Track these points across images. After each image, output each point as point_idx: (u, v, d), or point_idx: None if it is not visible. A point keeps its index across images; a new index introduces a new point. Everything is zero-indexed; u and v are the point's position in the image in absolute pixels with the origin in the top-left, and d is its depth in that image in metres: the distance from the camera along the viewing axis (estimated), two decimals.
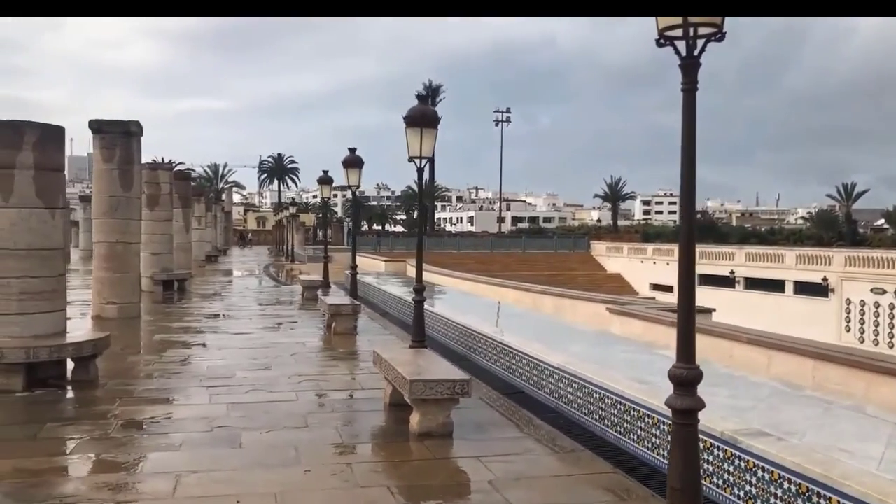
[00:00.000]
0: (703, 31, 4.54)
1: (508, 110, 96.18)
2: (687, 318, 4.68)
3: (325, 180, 24.84)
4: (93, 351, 9.49)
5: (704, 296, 44.19)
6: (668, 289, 55.24)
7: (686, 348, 4.68)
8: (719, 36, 4.56)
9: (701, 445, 5.89)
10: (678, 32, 4.55)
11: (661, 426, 6.42)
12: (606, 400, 7.46)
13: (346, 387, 9.62)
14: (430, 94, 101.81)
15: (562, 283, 44.01)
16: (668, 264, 56.84)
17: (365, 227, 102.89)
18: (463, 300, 20.26)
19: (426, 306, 15.69)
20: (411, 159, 11.53)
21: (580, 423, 7.99)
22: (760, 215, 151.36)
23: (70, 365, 9.61)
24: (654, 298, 48.69)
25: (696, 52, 4.58)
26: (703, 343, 11.86)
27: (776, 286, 46.19)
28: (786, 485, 4.99)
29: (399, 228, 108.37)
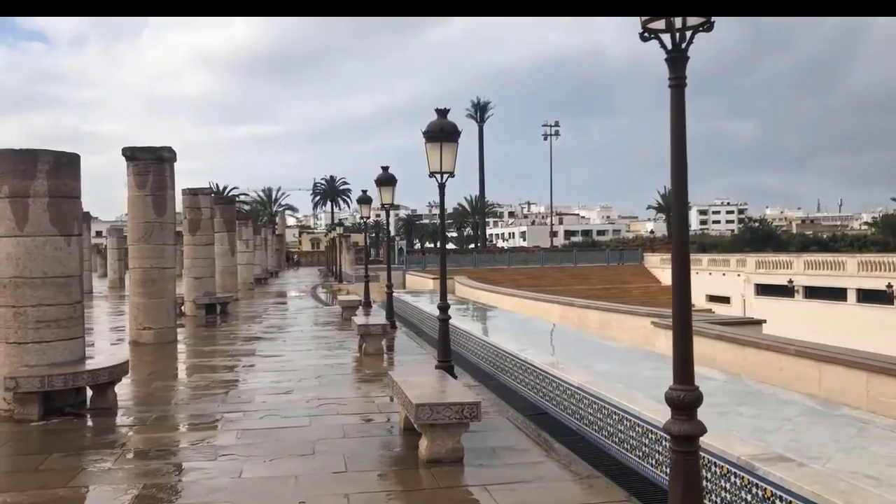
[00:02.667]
0: (690, 21, 4.18)
1: (557, 123, 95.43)
2: (684, 336, 4.28)
3: (365, 200, 24.79)
4: (109, 378, 9.40)
5: (762, 306, 43.10)
6: (726, 300, 53.79)
7: (683, 368, 4.28)
8: (707, 26, 4.18)
9: (718, 471, 5.46)
10: (662, 24, 4.19)
11: None
12: (625, 421, 7.03)
13: (364, 411, 9.34)
14: (478, 111, 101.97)
15: (615, 297, 43.27)
16: (723, 275, 55.40)
17: (417, 246, 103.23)
18: (501, 316, 19.87)
19: (459, 324, 15.42)
20: (432, 175, 11.27)
21: (600, 445, 7.56)
22: (822, 222, 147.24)
23: (89, 392, 9.56)
24: (710, 310, 47.53)
25: (683, 45, 4.21)
26: (750, 356, 11.43)
27: (837, 294, 44.49)
28: None
29: (451, 246, 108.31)
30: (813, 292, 46.35)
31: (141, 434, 8.34)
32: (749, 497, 5.05)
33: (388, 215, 19.20)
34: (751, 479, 5.04)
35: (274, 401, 9.92)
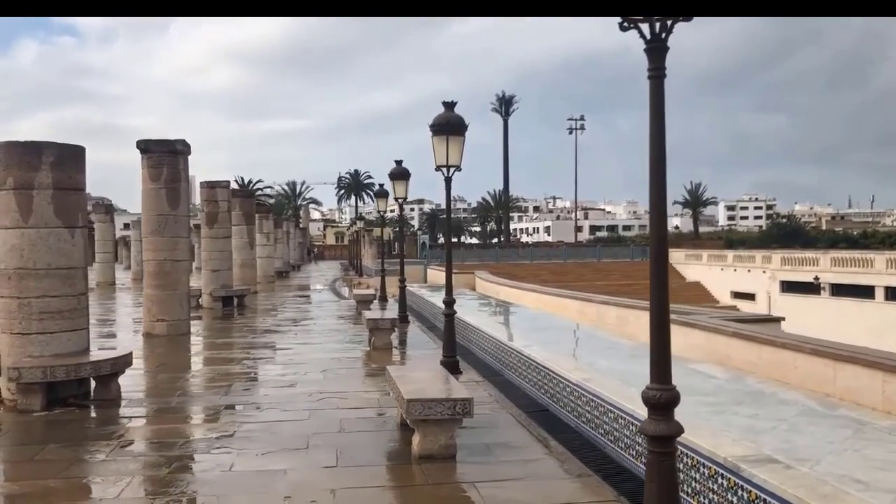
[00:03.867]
0: None
1: (582, 117, 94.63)
2: (661, 337, 4.17)
3: (382, 194, 24.82)
4: (112, 370, 9.44)
5: (787, 304, 42.35)
6: (751, 297, 53.09)
7: (660, 367, 4.17)
8: (686, 16, 4.07)
9: (706, 472, 5.34)
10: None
11: None
12: (620, 419, 6.92)
13: (365, 405, 9.28)
14: (503, 105, 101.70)
15: (638, 293, 42.64)
16: (749, 271, 54.70)
17: (441, 241, 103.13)
18: (513, 312, 19.73)
19: (469, 319, 15.34)
20: (438, 168, 11.20)
21: (597, 443, 7.45)
22: (853, 218, 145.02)
23: (94, 384, 9.61)
24: (735, 307, 46.90)
25: (663, 35, 4.10)
26: (765, 354, 11.23)
27: (865, 292, 43.71)
28: None
29: (473, 240, 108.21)
30: (840, 290, 45.58)
31: (139, 426, 8.38)
32: (735, 499, 4.93)
33: (401, 209, 19.18)
34: (737, 480, 4.92)
35: (276, 394, 9.92)
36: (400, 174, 17.91)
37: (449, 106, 11.17)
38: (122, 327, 18.88)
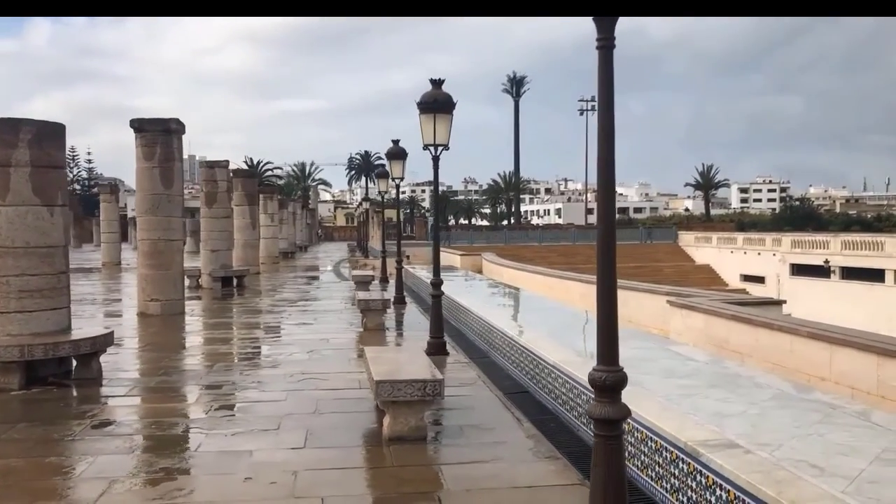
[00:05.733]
0: None
1: (593, 98, 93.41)
2: (608, 316, 4.04)
3: (382, 174, 24.71)
4: (91, 349, 9.38)
5: (797, 287, 41.99)
6: (760, 280, 52.68)
7: (608, 349, 4.04)
8: None
9: (668, 456, 5.22)
10: None
11: (636, 433, 5.72)
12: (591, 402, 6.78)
13: (345, 386, 9.19)
14: (514, 86, 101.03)
15: (647, 276, 42.47)
16: (759, 254, 54.24)
17: (452, 222, 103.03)
18: (509, 293, 19.60)
19: (461, 300, 15.24)
20: (426, 147, 11.06)
21: (571, 426, 7.34)
22: (867, 201, 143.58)
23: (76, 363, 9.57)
24: (745, 290, 46.54)
25: None
26: (762, 338, 11.06)
27: (875, 276, 43.25)
28: None
29: (483, 222, 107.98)
30: (850, 273, 45.13)
31: (115, 406, 8.32)
32: (694, 484, 4.81)
33: (398, 189, 19.03)
34: (696, 465, 4.79)
35: (258, 374, 9.87)
36: (396, 154, 17.77)
37: (436, 83, 11.01)
38: (123, 307, 18.89)
